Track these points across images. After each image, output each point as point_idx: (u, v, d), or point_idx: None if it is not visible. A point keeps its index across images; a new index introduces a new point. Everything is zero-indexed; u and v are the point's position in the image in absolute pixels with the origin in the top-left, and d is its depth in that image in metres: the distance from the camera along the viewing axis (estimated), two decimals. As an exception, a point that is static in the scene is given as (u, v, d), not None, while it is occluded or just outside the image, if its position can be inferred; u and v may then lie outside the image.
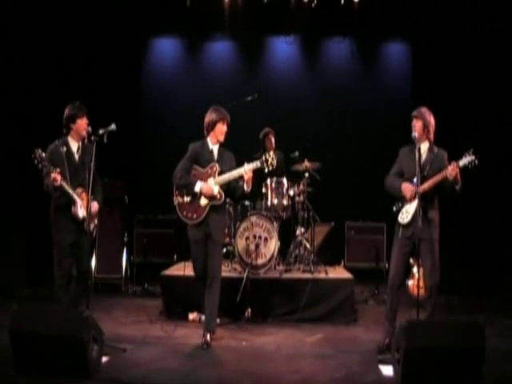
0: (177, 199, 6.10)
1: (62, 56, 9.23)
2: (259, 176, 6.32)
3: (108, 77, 9.67)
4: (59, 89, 8.99)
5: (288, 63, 10.85)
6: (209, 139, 6.14)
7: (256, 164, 5.92)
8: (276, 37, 10.79)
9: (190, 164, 6.08)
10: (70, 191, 5.56)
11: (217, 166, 6.04)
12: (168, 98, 10.73)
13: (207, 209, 5.97)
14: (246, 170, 5.89)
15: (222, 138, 6.11)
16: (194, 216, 5.99)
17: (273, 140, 8.47)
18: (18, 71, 8.62)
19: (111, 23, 9.71)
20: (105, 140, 5.70)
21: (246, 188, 6.00)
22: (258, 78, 9.72)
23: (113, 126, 5.68)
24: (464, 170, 5.41)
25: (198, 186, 5.94)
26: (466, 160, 5.39)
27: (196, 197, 5.98)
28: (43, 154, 5.51)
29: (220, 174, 6.01)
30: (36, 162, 5.49)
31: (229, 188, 6.08)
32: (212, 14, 10.13)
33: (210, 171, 6.04)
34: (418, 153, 5.46)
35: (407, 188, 5.58)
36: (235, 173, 5.95)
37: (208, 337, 5.94)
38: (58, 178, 5.44)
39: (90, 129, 5.71)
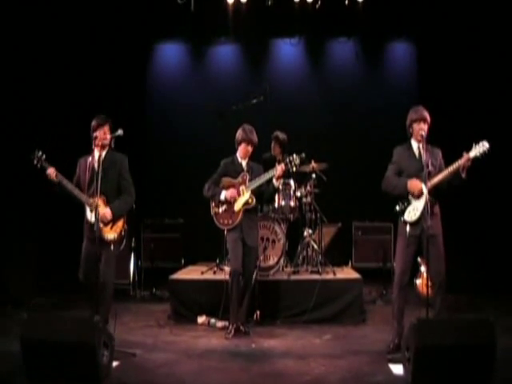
0: (213, 210, 6.65)
1: (67, 62, 9.26)
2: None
3: (113, 82, 9.69)
4: (65, 95, 9.03)
5: (293, 65, 10.86)
6: (237, 154, 6.74)
7: (282, 166, 6.45)
8: (280, 39, 10.80)
9: (219, 178, 6.67)
10: (75, 192, 5.69)
11: (247, 175, 6.64)
12: (174, 103, 10.78)
13: (241, 214, 6.50)
14: (278, 168, 6.40)
15: (245, 157, 6.70)
16: (230, 222, 6.53)
17: (277, 147, 8.33)
18: (24, 76, 8.66)
19: (116, 29, 9.75)
20: (112, 145, 5.82)
21: (276, 182, 6.50)
22: (264, 81, 9.67)
23: (120, 132, 5.73)
24: (473, 165, 5.41)
25: (223, 194, 6.54)
26: (476, 151, 5.37)
27: (230, 204, 6.52)
28: (43, 156, 5.77)
29: (250, 181, 6.59)
30: (35, 161, 5.76)
31: (259, 192, 6.60)
32: (216, 18, 10.12)
33: (241, 180, 6.62)
34: (424, 152, 5.52)
35: (415, 184, 5.53)
36: (265, 175, 6.50)
37: (242, 328, 6.45)
38: (53, 172, 5.69)
39: (108, 138, 5.77)
